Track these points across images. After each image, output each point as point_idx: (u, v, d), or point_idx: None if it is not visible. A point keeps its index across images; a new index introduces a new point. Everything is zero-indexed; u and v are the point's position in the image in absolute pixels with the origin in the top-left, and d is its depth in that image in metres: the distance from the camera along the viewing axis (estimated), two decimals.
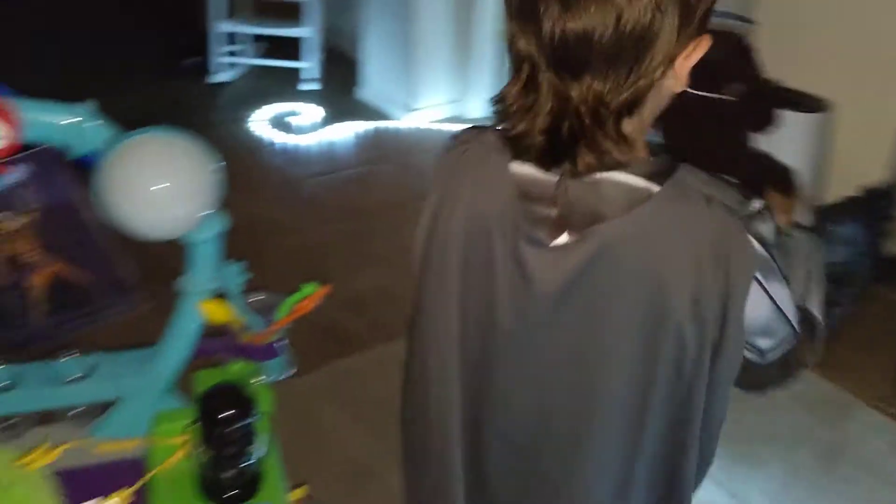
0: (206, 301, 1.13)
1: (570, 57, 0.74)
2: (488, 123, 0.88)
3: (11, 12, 3.77)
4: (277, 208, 3.16)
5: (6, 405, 1.12)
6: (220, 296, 1.16)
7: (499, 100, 0.81)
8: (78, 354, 1.16)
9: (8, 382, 1.12)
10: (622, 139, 0.77)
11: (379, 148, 3.80)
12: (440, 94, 4.05)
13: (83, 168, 1.06)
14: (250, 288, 1.22)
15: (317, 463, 1.97)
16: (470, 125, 0.93)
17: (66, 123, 1.01)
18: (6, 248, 1.07)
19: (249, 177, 3.39)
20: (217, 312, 1.14)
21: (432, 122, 4.01)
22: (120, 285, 1.14)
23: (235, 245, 1.22)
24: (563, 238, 0.81)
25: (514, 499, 0.98)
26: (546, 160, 0.80)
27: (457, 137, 0.93)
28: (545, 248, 0.82)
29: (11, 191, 1.03)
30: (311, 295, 1.17)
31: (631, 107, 0.76)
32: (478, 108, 4.08)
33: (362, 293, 2.68)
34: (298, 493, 1.14)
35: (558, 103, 0.76)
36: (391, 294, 2.69)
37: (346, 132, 3.89)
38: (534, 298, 0.84)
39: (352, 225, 3.11)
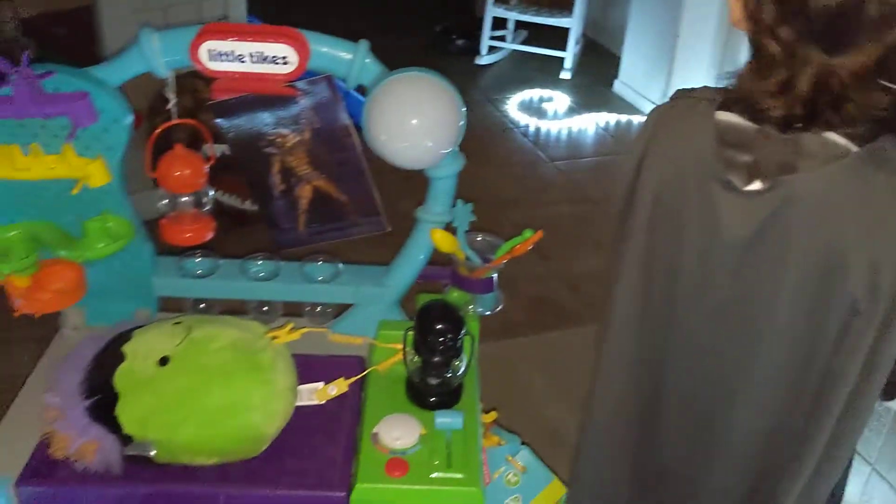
0: (437, 230, 1.26)
1: (836, 30, 0.78)
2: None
3: None
4: (516, 185, 3.31)
5: (264, 293, 1.32)
6: (449, 229, 1.29)
7: (742, 76, 0.86)
8: (322, 262, 1.33)
9: (264, 274, 1.32)
10: (870, 106, 0.79)
11: (625, 140, 3.82)
12: None
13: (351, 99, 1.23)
14: (474, 229, 1.34)
15: (513, 415, 2.08)
16: (677, 91, 0.99)
17: (345, 57, 1.17)
18: (284, 161, 1.26)
19: (497, 154, 3.57)
20: (445, 242, 1.27)
21: None
22: (369, 207, 1.30)
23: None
24: (756, 184, 0.84)
25: (685, 449, 1.02)
26: (786, 123, 0.83)
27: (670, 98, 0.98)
28: (737, 192, 0.86)
29: (294, 110, 1.22)
30: (527, 239, 1.27)
31: (884, 73, 0.78)
32: None
33: (581, 274, 2.75)
34: (490, 416, 1.25)
35: (819, 76, 0.79)
36: (603, 277, 2.73)
37: (596, 122, 3.95)
38: (720, 242, 0.88)
39: (581, 209, 3.18)
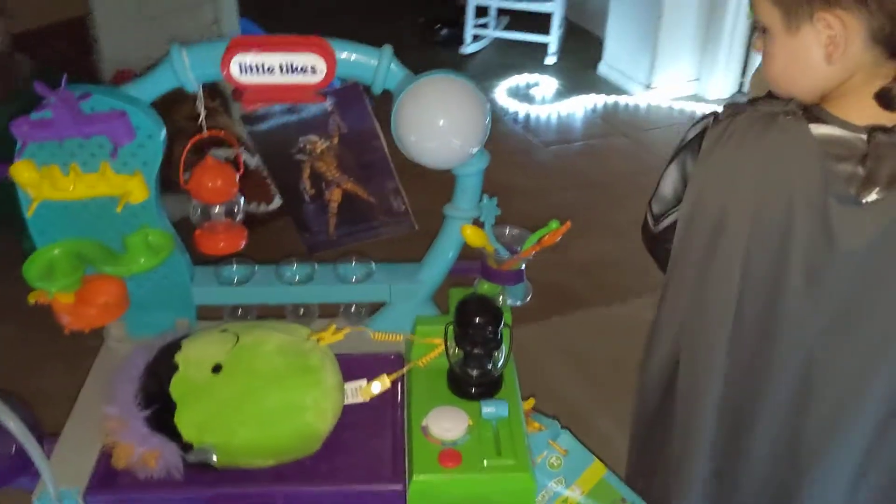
0: (467, 226, 1.30)
1: None
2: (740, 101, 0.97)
3: None
4: (512, 173, 3.34)
5: (300, 296, 1.36)
6: (476, 224, 1.33)
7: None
8: (355, 262, 1.37)
9: (299, 277, 1.36)
10: None
11: (614, 122, 3.87)
12: (680, 73, 4.04)
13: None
14: (499, 222, 1.37)
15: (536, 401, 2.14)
16: (728, 104, 1.00)
17: (371, 63, 1.21)
18: (315, 166, 1.29)
19: (489, 142, 3.59)
20: (475, 236, 1.31)
21: (671, 99, 4.02)
22: (397, 208, 1.33)
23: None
24: (874, 195, 0.86)
25: (770, 469, 1.05)
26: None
27: (714, 115, 1.00)
28: (856, 205, 0.86)
29: (322, 117, 1.25)
30: (555, 230, 1.31)
31: None
32: (718, 88, 4.02)
33: (588, 259, 2.80)
34: (529, 402, 1.29)
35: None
36: (614, 261, 2.80)
37: (584, 105, 3.99)
38: (835, 255, 0.88)
39: (581, 194, 3.23)
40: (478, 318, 1.17)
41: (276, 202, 2.61)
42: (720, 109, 1.00)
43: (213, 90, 2.77)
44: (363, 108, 1.25)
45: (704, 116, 1.02)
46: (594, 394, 2.07)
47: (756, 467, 1.07)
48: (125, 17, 2.51)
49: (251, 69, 1.17)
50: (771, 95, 1.02)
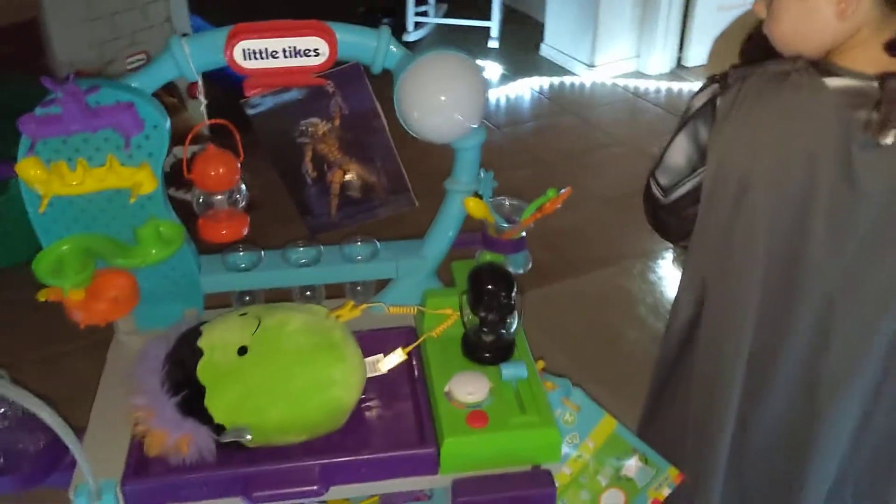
0: (469, 198, 1.34)
1: None
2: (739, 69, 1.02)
3: None
4: None
5: (308, 278, 1.38)
6: (476, 196, 1.37)
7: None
8: (360, 242, 1.40)
9: (306, 260, 1.38)
10: None
11: (560, 101, 3.95)
12: (621, 51, 4.15)
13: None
14: (495, 194, 1.42)
15: None
16: (731, 69, 1.02)
17: (371, 44, 1.23)
18: (317, 148, 1.31)
19: None
20: (477, 208, 1.35)
21: (613, 77, 4.12)
22: (398, 185, 1.36)
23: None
24: (891, 137, 0.90)
25: (786, 414, 1.11)
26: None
27: (719, 80, 1.01)
28: (876, 149, 0.90)
29: (324, 99, 1.28)
30: (554, 198, 1.36)
31: None
32: (658, 64, 4.14)
33: (548, 233, 2.87)
34: (540, 364, 1.34)
35: None
36: (575, 234, 2.89)
37: (531, 87, 4.07)
38: (857, 200, 0.92)
39: (534, 171, 3.30)
40: (492, 285, 1.22)
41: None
42: (724, 75, 1.03)
43: (169, 87, 2.74)
44: (364, 88, 1.27)
45: (707, 83, 1.06)
46: (571, 362, 2.13)
47: (773, 413, 1.13)
48: (76, 17, 2.46)
49: (255, 54, 1.19)
50: (755, 60, 1.08)
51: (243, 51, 1.19)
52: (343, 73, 1.26)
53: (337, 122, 1.30)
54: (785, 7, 0.97)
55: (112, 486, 1.09)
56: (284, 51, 1.20)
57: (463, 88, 1.23)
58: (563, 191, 1.35)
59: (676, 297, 1.19)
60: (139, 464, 1.12)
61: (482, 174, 1.36)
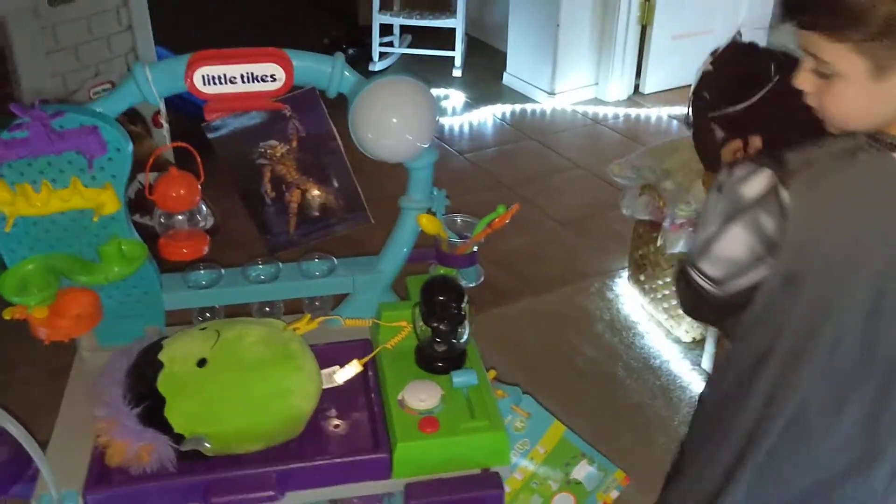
0: (422, 215, 1.40)
1: None
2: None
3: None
4: (435, 180, 3.46)
5: (268, 294, 1.43)
6: (429, 213, 1.43)
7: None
8: (317, 259, 1.45)
9: (265, 277, 1.43)
10: None
11: (522, 128, 4.05)
12: (580, 79, 4.27)
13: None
14: (448, 212, 1.48)
15: None
16: (761, 158, 0.99)
17: (325, 70, 1.30)
18: (275, 169, 1.37)
19: None
20: (430, 225, 1.41)
21: (573, 104, 4.23)
22: (354, 203, 1.42)
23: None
24: None
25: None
26: None
27: (768, 164, 0.96)
28: None
29: (282, 122, 1.34)
30: (503, 214, 1.43)
31: None
32: (616, 90, 4.26)
33: (509, 253, 2.95)
34: (491, 373, 1.40)
35: None
36: (534, 254, 2.97)
37: (493, 114, 4.16)
38: None
39: (495, 194, 3.38)
40: (443, 296, 1.28)
41: (208, 222, 2.64)
42: (775, 160, 0.97)
43: (133, 115, 2.78)
44: (320, 111, 1.34)
45: (754, 169, 0.98)
46: (529, 379, 2.18)
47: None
48: (42, 48, 2.51)
49: (214, 80, 1.25)
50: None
51: (203, 76, 1.25)
52: (300, 97, 1.32)
53: (294, 144, 1.36)
54: (857, 89, 0.93)
55: (74, 495, 1.13)
56: (242, 76, 1.26)
57: (413, 110, 1.30)
58: (510, 207, 1.42)
59: (721, 366, 1.16)
60: (101, 473, 1.16)
61: (435, 192, 1.43)
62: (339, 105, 1.36)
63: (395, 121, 1.29)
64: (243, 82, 1.26)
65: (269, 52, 1.27)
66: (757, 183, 0.97)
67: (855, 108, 0.95)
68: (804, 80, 0.97)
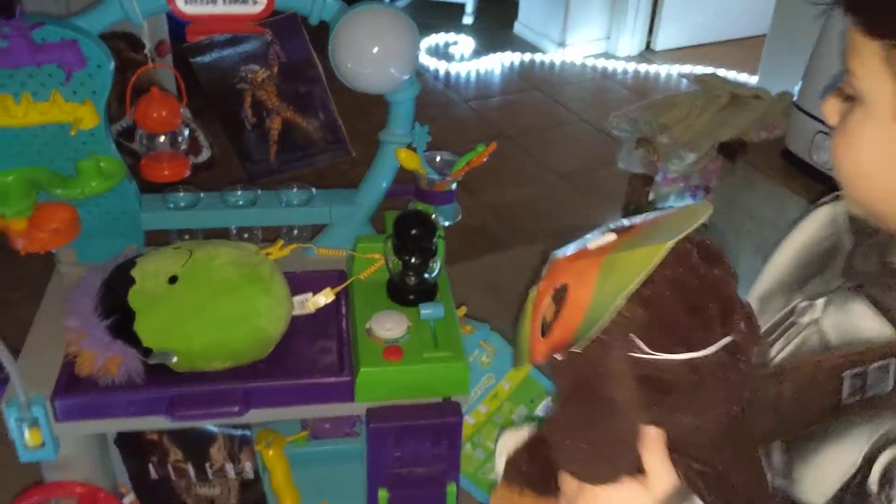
0: (402, 150, 1.41)
1: None
2: None
3: None
4: (432, 127, 3.45)
5: (246, 220, 1.45)
6: (409, 149, 1.44)
7: None
8: (296, 188, 1.46)
9: (243, 203, 1.44)
10: None
11: (530, 79, 4.02)
12: (592, 32, 4.21)
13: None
14: (430, 148, 1.49)
15: None
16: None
17: None
18: (256, 95, 1.38)
19: None
20: (410, 160, 1.42)
21: (583, 56, 4.18)
22: (335, 134, 1.43)
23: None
24: None
25: None
26: None
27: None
28: None
29: (262, 47, 1.34)
30: (482, 152, 1.43)
31: None
32: (627, 45, 4.21)
33: (505, 203, 2.95)
34: (461, 309, 1.42)
35: None
36: (530, 205, 2.96)
37: (501, 62, 4.12)
38: None
39: (499, 144, 3.36)
40: (415, 230, 1.29)
41: (205, 154, 2.66)
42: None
43: (136, 42, 2.77)
44: (301, 38, 1.34)
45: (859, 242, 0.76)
46: (507, 319, 2.20)
47: None
48: None
49: (196, 0, 1.25)
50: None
51: None
52: (281, 22, 1.32)
53: (275, 70, 1.37)
54: (876, 129, 0.66)
55: (42, 399, 1.16)
56: None
57: (394, 41, 1.30)
58: (488, 146, 1.42)
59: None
60: (70, 381, 1.19)
61: (417, 127, 1.43)
62: (323, 33, 1.36)
63: (376, 50, 1.29)
64: (224, 3, 1.26)
65: None
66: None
67: (869, 155, 0.67)
68: (829, 107, 0.71)
